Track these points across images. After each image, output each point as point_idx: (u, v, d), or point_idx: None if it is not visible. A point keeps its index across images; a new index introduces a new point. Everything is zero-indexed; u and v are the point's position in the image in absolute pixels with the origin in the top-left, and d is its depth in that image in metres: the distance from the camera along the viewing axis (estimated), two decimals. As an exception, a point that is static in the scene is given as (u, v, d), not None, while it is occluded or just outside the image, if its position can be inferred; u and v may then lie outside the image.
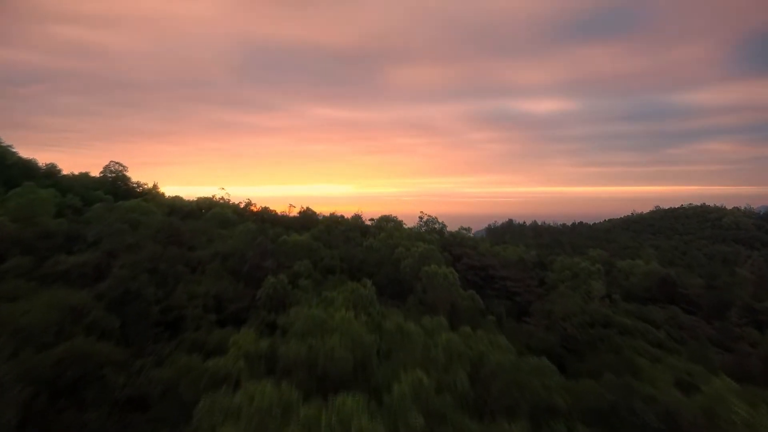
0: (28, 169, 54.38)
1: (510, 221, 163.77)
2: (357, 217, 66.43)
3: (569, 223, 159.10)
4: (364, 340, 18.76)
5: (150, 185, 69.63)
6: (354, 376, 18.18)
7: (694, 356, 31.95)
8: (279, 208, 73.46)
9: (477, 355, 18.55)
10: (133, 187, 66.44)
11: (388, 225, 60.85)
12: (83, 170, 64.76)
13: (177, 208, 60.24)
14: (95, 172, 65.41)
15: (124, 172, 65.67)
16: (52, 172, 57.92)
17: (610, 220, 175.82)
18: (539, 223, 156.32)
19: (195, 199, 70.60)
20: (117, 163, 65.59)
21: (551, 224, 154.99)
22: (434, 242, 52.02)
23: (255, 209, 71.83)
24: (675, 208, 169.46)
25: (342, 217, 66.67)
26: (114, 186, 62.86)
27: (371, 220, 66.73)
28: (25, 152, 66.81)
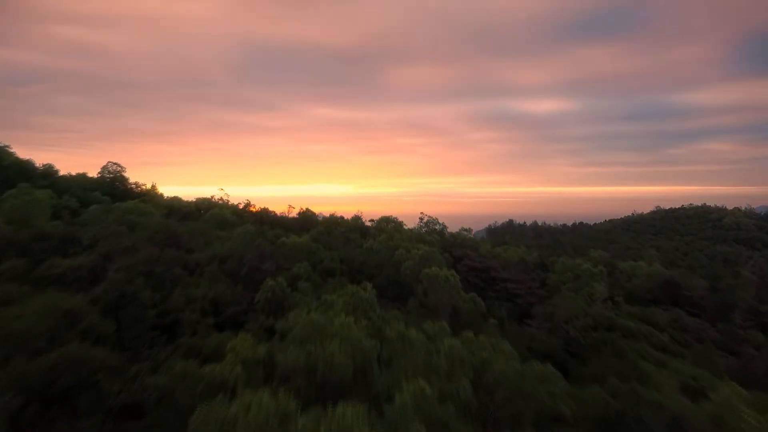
0: (24, 169, 53.90)
1: (510, 221, 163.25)
2: (357, 218, 65.97)
3: (569, 224, 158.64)
4: (365, 346, 18.30)
5: (148, 186, 69.26)
6: (354, 383, 17.72)
7: (699, 360, 31.50)
8: (278, 209, 73.10)
9: (480, 362, 18.10)
10: (132, 188, 66.00)
11: (388, 226, 60.40)
12: (83, 170, 64.39)
13: (175, 209, 59.74)
14: (95, 173, 65.12)
15: (122, 173, 65.26)
16: (49, 172, 57.44)
17: (610, 221, 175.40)
18: (539, 224, 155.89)
19: (194, 199, 70.20)
20: (115, 163, 65.20)
21: (552, 224, 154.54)
22: (435, 243, 51.57)
23: (254, 210, 71.38)
24: (676, 208, 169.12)
25: (342, 218, 66.24)
26: (112, 187, 62.39)
27: (371, 221, 66.26)
28: (24, 152, 66.44)
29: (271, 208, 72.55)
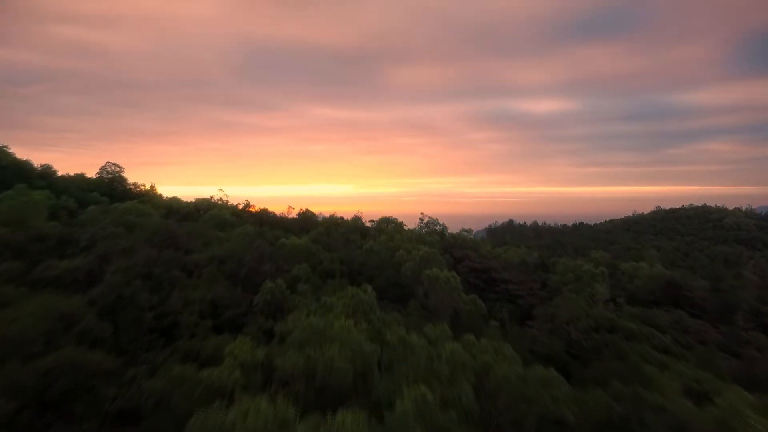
0: (22, 170, 53.57)
1: (510, 221, 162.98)
2: (357, 219, 65.63)
3: (570, 224, 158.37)
4: (365, 350, 18.04)
5: (147, 186, 68.94)
6: (354, 388, 17.45)
7: (702, 362, 31.21)
8: (278, 209, 72.81)
9: (482, 366, 17.83)
10: (130, 189, 65.66)
11: (388, 227, 60.09)
12: (84, 170, 64.07)
13: (174, 209, 59.44)
14: (95, 173, 64.73)
15: (121, 173, 64.92)
16: (47, 173, 57.12)
17: (610, 221, 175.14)
18: (540, 224, 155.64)
19: (193, 200, 69.83)
20: (113, 164, 64.87)
21: (552, 225, 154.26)
22: (435, 244, 51.30)
23: (253, 210, 71.08)
24: (676, 208, 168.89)
25: (342, 218, 65.92)
26: (110, 187, 62.08)
27: (371, 221, 65.93)
28: (24, 152, 66.17)
29: (270, 209, 72.37)
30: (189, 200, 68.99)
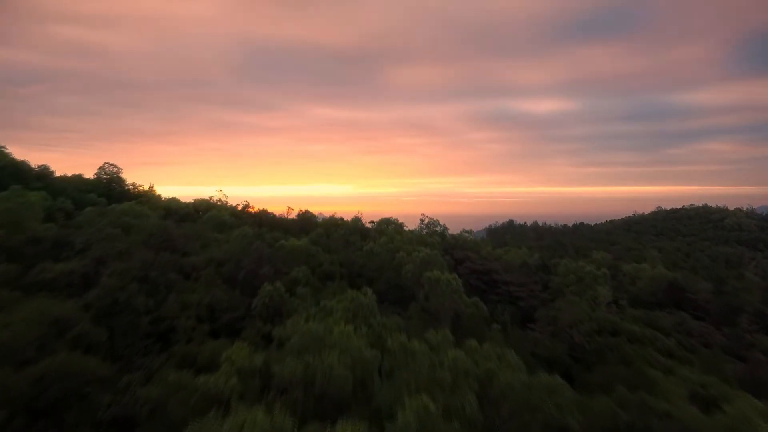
0: (19, 171, 53.08)
1: (510, 222, 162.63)
2: (357, 220, 65.12)
3: (570, 224, 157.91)
4: (365, 357, 17.60)
5: (146, 187, 68.42)
6: (354, 396, 17.01)
7: (707, 366, 30.78)
8: (278, 210, 72.39)
9: (485, 373, 17.39)
10: (128, 189, 65.15)
11: (388, 228, 59.61)
12: (84, 170, 63.80)
13: (173, 210, 58.98)
14: (93, 173, 64.16)
15: (119, 174, 64.37)
16: (44, 173, 56.65)
17: (611, 221, 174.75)
18: (540, 224, 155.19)
19: (192, 201, 69.35)
20: (111, 164, 64.31)
21: (552, 225, 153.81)
22: (436, 246, 50.82)
23: (253, 211, 70.62)
24: (677, 209, 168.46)
25: (341, 219, 65.43)
26: (108, 188, 61.57)
27: (371, 222, 65.44)
28: (24, 152, 65.88)
29: (270, 209, 71.97)
30: (188, 201, 68.62)
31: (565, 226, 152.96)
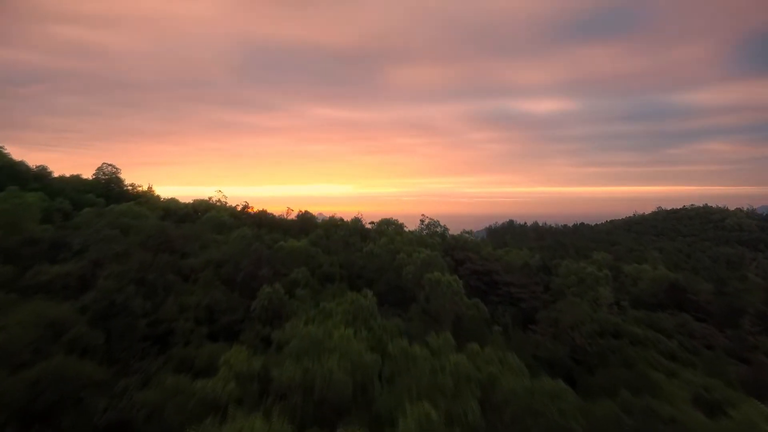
0: (16, 171, 52.70)
1: (511, 222, 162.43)
2: (357, 221, 64.78)
3: (570, 224, 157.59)
4: (365, 361, 17.33)
5: (145, 187, 68.06)
6: (354, 401, 16.73)
7: (710, 369, 30.49)
8: (277, 210, 72.05)
9: (487, 378, 17.11)
10: (127, 190, 64.79)
11: (388, 229, 59.30)
12: (84, 170, 63.53)
13: (172, 211, 58.63)
14: (92, 173, 63.76)
15: (118, 174, 64.01)
16: (42, 174, 56.29)
17: (611, 221, 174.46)
18: (540, 224, 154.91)
19: (191, 201, 68.98)
20: (110, 164, 63.93)
21: (552, 225, 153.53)
22: (436, 247, 50.53)
23: (252, 212, 70.28)
24: (677, 209, 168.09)
25: (341, 220, 65.12)
26: (107, 188, 61.19)
27: (371, 223, 65.12)
28: (24, 152, 65.72)
29: (269, 210, 71.57)
30: (187, 201, 68.24)
31: (565, 226, 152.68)
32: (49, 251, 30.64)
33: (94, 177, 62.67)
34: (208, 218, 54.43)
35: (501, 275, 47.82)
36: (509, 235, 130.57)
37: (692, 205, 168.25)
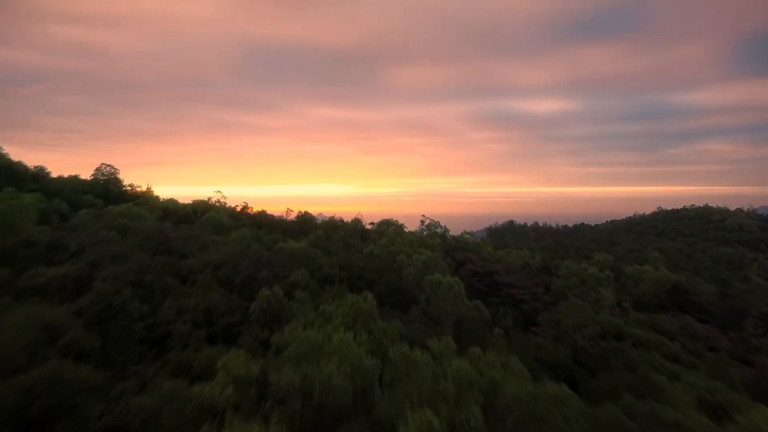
0: (14, 172, 52.38)
1: (511, 222, 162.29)
2: (357, 221, 64.50)
3: (570, 224, 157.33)
4: (365, 366, 17.03)
5: (144, 187, 67.76)
6: (353, 407, 16.44)
7: (714, 371, 30.20)
8: (277, 210, 71.76)
9: (489, 383, 16.82)
10: (126, 190, 64.49)
11: (388, 230, 59.02)
12: (84, 170, 63.25)
13: (171, 211, 58.34)
14: (90, 174, 63.39)
15: (116, 175, 63.71)
16: (40, 175, 55.96)
17: (612, 222, 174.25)
18: (540, 224, 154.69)
19: (191, 202, 68.62)
20: (108, 165, 63.64)
21: (553, 225, 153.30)
22: (437, 248, 50.25)
23: (251, 212, 69.97)
24: (677, 209, 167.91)
25: (341, 220, 64.85)
26: (105, 189, 60.88)
27: (371, 224, 64.84)
28: (24, 152, 65.55)
29: (269, 210, 71.28)
30: (186, 202, 67.90)
31: (565, 226, 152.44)
32: (45, 253, 30.32)
33: (92, 177, 62.38)
34: (207, 219, 54.13)
35: (502, 276, 47.49)
36: (509, 235, 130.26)
37: (692, 205, 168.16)
